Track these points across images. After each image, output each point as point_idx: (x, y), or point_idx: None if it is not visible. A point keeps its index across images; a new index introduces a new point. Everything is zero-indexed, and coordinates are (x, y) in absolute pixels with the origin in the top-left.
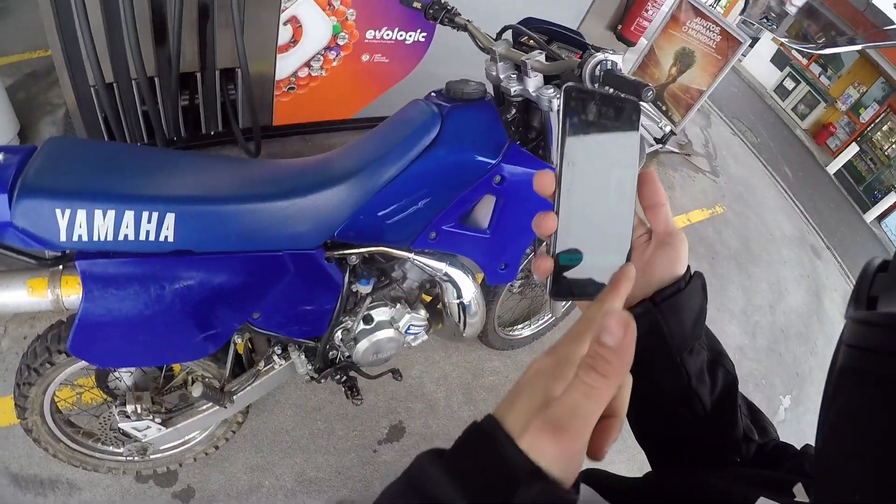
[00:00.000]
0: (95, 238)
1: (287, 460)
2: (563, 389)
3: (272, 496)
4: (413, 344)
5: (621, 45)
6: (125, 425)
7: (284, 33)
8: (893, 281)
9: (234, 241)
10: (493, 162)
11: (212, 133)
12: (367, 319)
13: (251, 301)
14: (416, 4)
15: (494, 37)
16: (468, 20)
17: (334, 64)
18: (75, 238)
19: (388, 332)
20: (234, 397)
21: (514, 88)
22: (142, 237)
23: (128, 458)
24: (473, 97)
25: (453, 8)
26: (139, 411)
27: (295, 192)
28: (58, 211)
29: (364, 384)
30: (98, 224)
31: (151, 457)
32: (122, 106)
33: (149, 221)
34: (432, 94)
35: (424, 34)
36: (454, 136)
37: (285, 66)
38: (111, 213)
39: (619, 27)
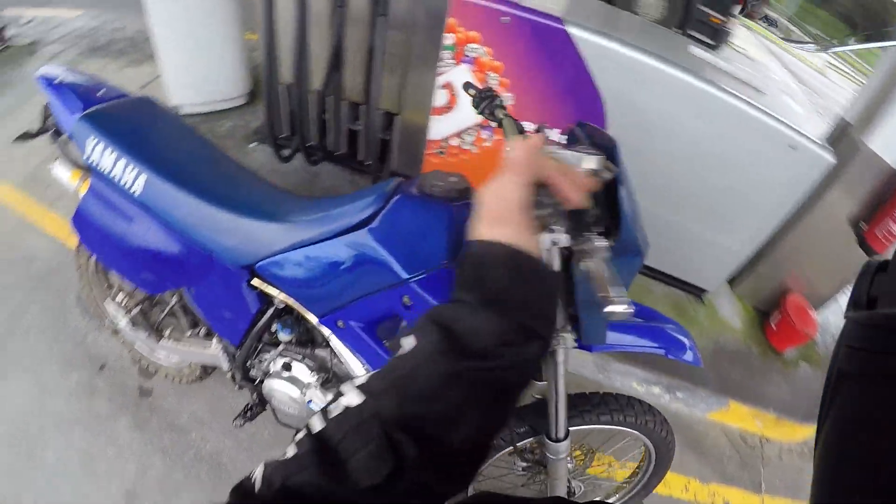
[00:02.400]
0: (100, 166)
1: (220, 436)
2: None
3: (186, 449)
4: None
5: (862, 254)
6: (108, 306)
7: (441, 97)
8: (893, 281)
9: (174, 221)
10: (404, 277)
11: (365, 163)
12: (287, 367)
13: (184, 276)
14: (471, 92)
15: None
16: (506, 114)
17: (486, 144)
18: (90, 160)
19: (292, 391)
20: (161, 340)
21: None
22: (122, 181)
23: (108, 326)
24: (440, 196)
25: (498, 97)
26: (121, 304)
27: (236, 208)
28: (90, 138)
29: None
30: (104, 158)
31: (133, 343)
32: (300, 110)
33: (130, 172)
34: (417, 178)
35: None
36: (381, 228)
37: (439, 128)
38: (113, 155)
39: (864, 225)
